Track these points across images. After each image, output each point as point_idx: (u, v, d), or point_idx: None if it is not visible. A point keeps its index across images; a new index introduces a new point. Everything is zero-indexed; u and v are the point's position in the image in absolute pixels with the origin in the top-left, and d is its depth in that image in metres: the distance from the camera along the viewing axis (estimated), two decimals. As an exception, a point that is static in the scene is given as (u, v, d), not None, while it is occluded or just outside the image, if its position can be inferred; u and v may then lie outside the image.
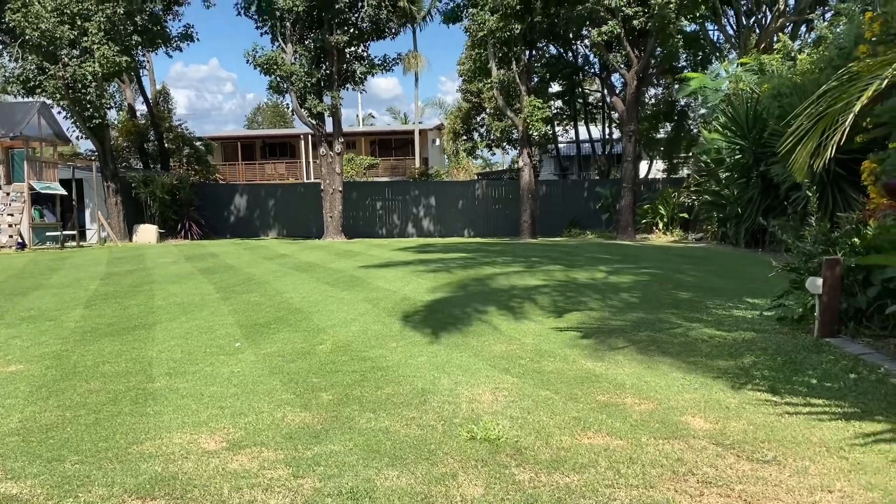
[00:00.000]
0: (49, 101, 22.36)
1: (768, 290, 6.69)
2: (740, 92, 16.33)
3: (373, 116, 63.89)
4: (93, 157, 25.73)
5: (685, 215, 22.53)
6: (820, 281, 5.18)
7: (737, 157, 16.17)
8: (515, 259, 11.54)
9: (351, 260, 12.04)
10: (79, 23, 21.17)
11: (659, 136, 30.60)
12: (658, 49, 21.29)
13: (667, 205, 23.32)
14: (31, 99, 22.18)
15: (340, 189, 23.60)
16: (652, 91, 30.46)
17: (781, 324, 5.84)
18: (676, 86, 26.86)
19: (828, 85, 4.17)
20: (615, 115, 27.09)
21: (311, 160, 39.73)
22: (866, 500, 2.53)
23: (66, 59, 21.00)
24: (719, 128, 17.10)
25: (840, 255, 5.39)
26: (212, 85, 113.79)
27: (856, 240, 5.61)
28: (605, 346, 5.11)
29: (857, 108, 3.63)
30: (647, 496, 2.59)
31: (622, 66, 21.28)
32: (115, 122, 29.31)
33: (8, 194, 17.12)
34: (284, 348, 5.25)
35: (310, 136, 24.39)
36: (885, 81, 3.58)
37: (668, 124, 29.40)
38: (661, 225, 23.38)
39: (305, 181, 39.85)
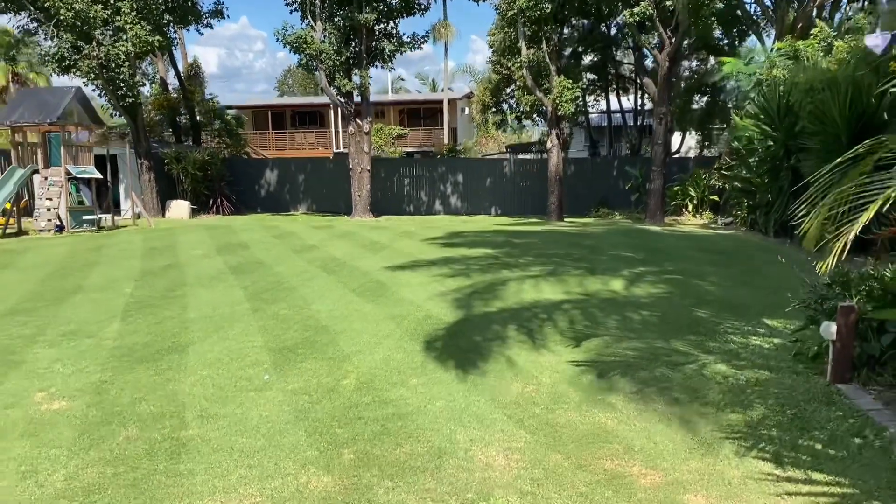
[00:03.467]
0: (84, 80, 22.75)
1: (790, 304, 6.60)
2: (773, 79, 16.02)
3: (402, 80, 63.40)
4: (126, 132, 26.19)
5: (716, 198, 22.33)
6: (834, 328, 5.25)
7: (768, 145, 15.96)
8: (538, 258, 11.65)
9: (377, 256, 12.26)
10: (112, 2, 21.37)
11: (694, 107, 30.03)
12: (692, 29, 20.81)
13: (697, 187, 23.13)
14: (66, 85, 22.56)
15: (369, 168, 23.78)
16: (686, 63, 29.86)
17: (797, 360, 5.93)
18: (712, 61, 26.33)
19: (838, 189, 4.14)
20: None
21: (340, 129, 39.79)
22: None
23: (100, 39, 21.28)
24: (751, 115, 16.85)
25: (856, 300, 5.44)
26: (242, 43, 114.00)
27: (874, 283, 5.66)
28: (618, 388, 5.26)
29: (871, 212, 3.65)
30: None
31: (654, 47, 20.93)
32: (147, 96, 29.67)
33: (46, 178, 17.59)
34: (310, 383, 5.49)
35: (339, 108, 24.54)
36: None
37: (703, 98, 28.86)
38: (690, 207, 23.23)
39: (335, 151, 40.10)
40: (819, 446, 4.21)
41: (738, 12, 23.14)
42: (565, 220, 22.82)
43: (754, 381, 5.42)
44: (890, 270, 5.69)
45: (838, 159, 4.52)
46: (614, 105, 34.79)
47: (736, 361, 5.94)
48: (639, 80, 28.81)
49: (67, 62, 21.84)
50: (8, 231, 17.43)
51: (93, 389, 5.44)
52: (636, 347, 6.38)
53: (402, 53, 23.60)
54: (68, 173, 17.43)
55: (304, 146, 41.77)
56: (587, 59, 30.49)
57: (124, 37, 21.60)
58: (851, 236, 3.92)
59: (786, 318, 7.13)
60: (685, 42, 21.64)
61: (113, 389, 5.43)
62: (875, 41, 5.37)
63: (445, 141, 41.13)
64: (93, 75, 21.84)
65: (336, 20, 22.92)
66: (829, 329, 5.29)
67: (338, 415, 4.82)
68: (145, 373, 5.83)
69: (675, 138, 34.15)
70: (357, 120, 23.38)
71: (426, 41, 24.04)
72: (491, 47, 27.85)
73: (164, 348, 6.56)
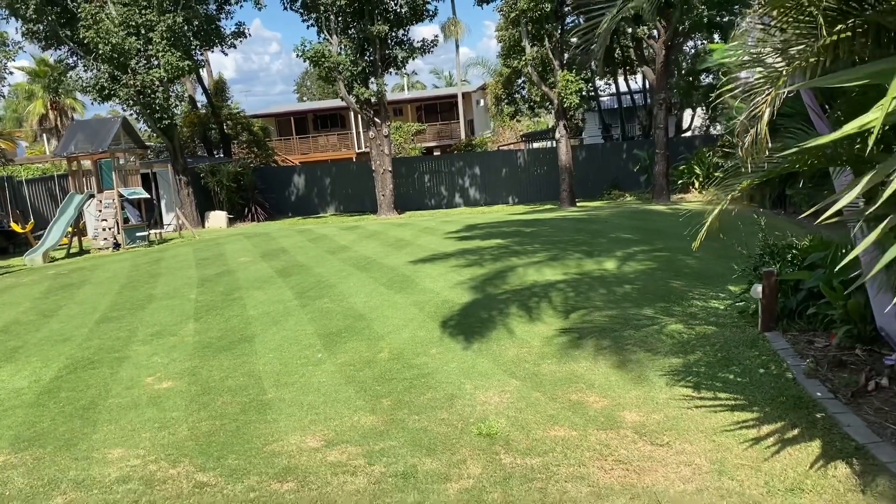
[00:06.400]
0: (122, 107, 24.69)
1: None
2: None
3: (415, 73, 64.90)
4: (161, 151, 28.15)
5: (720, 175, 23.49)
6: (760, 288, 6.70)
7: (757, 126, 17.16)
8: (544, 245, 13.13)
9: (402, 253, 13.83)
10: (143, 33, 23.19)
11: (701, 86, 30.98)
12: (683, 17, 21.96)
13: (702, 165, 24.34)
14: (99, 110, 24.46)
15: (390, 169, 25.37)
16: (691, 43, 30.85)
17: (741, 316, 7.38)
18: (717, 39, 27.26)
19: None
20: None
21: (360, 130, 41.40)
22: (706, 467, 4.19)
23: (135, 68, 23.13)
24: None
25: (777, 266, 6.88)
26: (258, 46, 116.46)
27: (795, 251, 7.10)
28: (592, 347, 6.77)
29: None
30: (578, 471, 4.32)
31: (650, 37, 22.13)
32: (178, 114, 31.64)
33: (101, 201, 19.48)
34: (354, 357, 7.09)
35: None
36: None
37: (708, 77, 29.82)
38: (696, 185, 24.43)
39: (357, 151, 41.80)
40: (731, 377, 5.70)
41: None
42: (577, 204, 24.21)
43: (701, 334, 6.90)
44: (807, 240, 7.12)
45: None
46: (624, 87, 35.92)
47: (692, 321, 7.41)
48: (640, 69, 29.90)
49: (107, 91, 23.79)
50: (71, 251, 19.40)
51: (188, 373, 7.09)
52: (613, 315, 7.87)
53: (414, 59, 25.11)
54: (120, 195, 19.29)
55: (328, 148, 43.57)
56: (574, 39, 31.62)
57: (157, 64, 23.45)
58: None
59: (746, 284, 8.54)
60: (679, 28, 22.80)
61: (203, 372, 7.08)
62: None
63: (462, 134, 42.56)
64: (131, 102, 23.76)
65: (350, 32, 24.51)
66: (757, 290, 6.74)
67: (376, 378, 6.41)
68: (225, 358, 7.48)
69: (686, 116, 35.21)
70: (376, 124, 24.98)
71: (436, 45, 25.48)
72: (499, 42, 29.23)
73: (235, 340, 8.21)
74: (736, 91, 4.58)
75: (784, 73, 3.86)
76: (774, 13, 3.79)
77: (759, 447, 4.42)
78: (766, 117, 3.90)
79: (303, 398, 6.03)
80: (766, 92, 3.99)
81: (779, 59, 4.02)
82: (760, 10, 3.87)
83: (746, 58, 4.47)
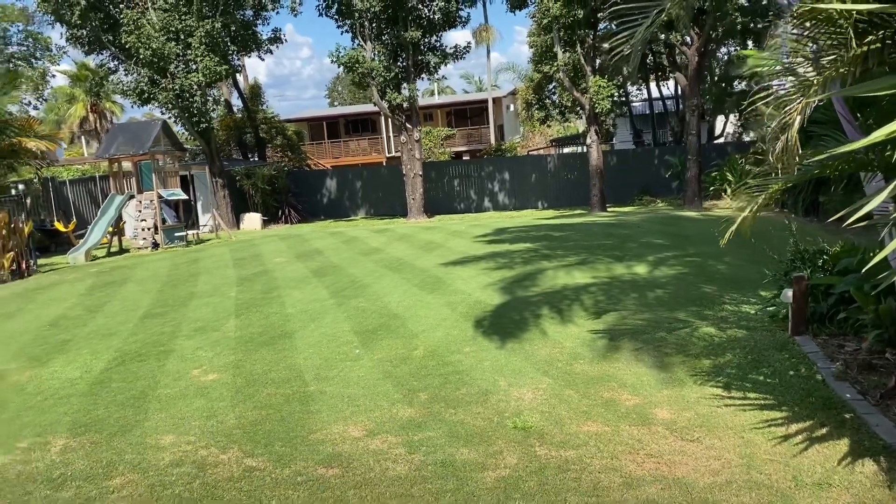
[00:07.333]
0: (161, 110, 25.32)
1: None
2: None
3: (445, 78, 65.25)
4: (198, 153, 28.80)
5: (749, 181, 23.41)
6: (790, 293, 6.80)
7: (790, 133, 17.11)
8: (574, 249, 13.28)
9: (433, 255, 14.07)
10: (182, 38, 23.79)
11: (734, 91, 30.86)
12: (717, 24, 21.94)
13: (734, 171, 24.24)
14: (145, 118, 25.15)
15: (421, 173, 25.66)
16: (724, 49, 30.76)
17: (772, 321, 7.47)
18: (750, 45, 27.14)
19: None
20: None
21: (391, 135, 41.83)
22: (735, 461, 4.34)
23: (174, 72, 23.73)
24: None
25: (807, 272, 6.98)
26: (289, 51, 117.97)
27: (825, 257, 7.19)
28: (623, 348, 6.92)
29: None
30: (611, 463, 4.49)
31: (683, 44, 22.15)
32: (215, 118, 32.33)
33: (140, 202, 20.04)
34: (391, 354, 7.32)
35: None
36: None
37: (741, 83, 29.71)
38: (728, 191, 24.33)
39: (387, 155, 42.23)
40: (761, 378, 5.82)
41: (765, 1, 24.07)
42: (608, 209, 24.26)
43: (732, 337, 7.02)
44: (838, 246, 7.21)
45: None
46: (655, 93, 35.87)
47: (723, 325, 7.52)
48: (672, 75, 29.87)
49: (146, 95, 24.44)
50: (111, 250, 19.97)
51: (232, 366, 7.39)
52: (644, 318, 8.01)
53: (446, 65, 25.39)
54: (160, 196, 19.82)
55: (358, 153, 44.09)
56: (607, 45, 31.67)
57: (195, 68, 24.03)
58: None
59: (776, 289, 8.61)
60: (713, 34, 22.78)
61: (247, 365, 7.37)
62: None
63: (492, 139, 42.75)
64: (170, 105, 24.37)
65: (384, 38, 24.88)
66: (787, 294, 6.84)
67: (413, 373, 6.64)
68: (267, 353, 7.76)
69: (718, 122, 35.04)
70: (407, 128, 25.30)
71: (469, 51, 25.74)
72: (531, 48, 29.43)
73: (276, 336, 8.50)
74: (769, 99, 4.71)
75: (815, 82, 4.01)
76: (807, 24, 3.94)
77: (788, 444, 4.55)
78: (796, 124, 4.05)
79: (343, 391, 6.28)
80: (798, 100, 4.14)
81: (810, 69, 4.17)
82: (793, 22, 4.02)
83: (779, 67, 4.61)
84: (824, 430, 4.70)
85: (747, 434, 4.74)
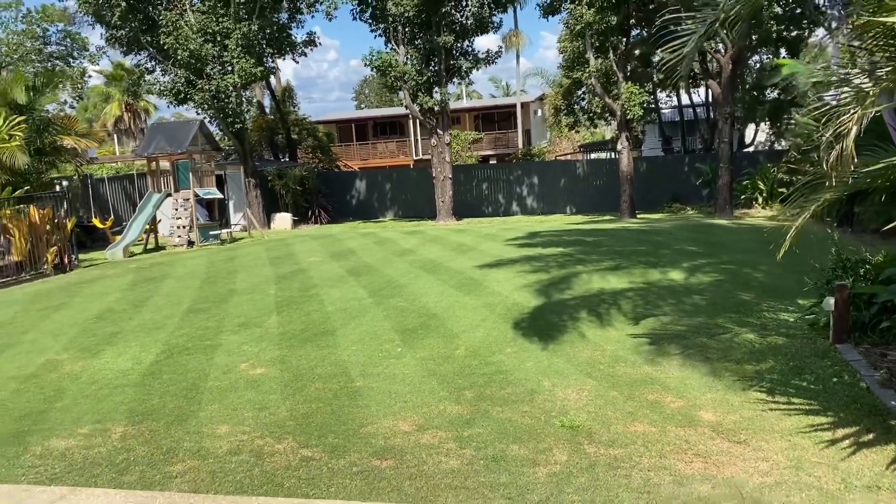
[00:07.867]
0: (197, 110, 25.76)
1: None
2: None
3: (472, 82, 65.50)
4: (230, 153, 29.23)
5: (784, 190, 23.27)
6: (832, 301, 6.84)
7: (826, 142, 17.02)
8: (607, 254, 13.34)
9: (466, 257, 14.22)
10: (219, 40, 24.21)
11: (765, 101, 30.61)
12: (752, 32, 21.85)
13: (766, 180, 24.14)
14: (174, 118, 25.58)
15: (450, 176, 25.84)
16: (757, 57, 30.54)
17: (812, 329, 7.51)
18: (783, 54, 26.94)
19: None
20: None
21: (419, 137, 42.09)
22: (784, 463, 4.42)
23: (210, 73, 24.16)
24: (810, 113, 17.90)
25: (850, 280, 7.01)
26: (316, 54, 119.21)
27: (868, 266, 7.21)
28: (665, 352, 7.01)
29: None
30: (660, 462, 4.59)
31: (717, 51, 22.09)
32: (248, 118, 32.81)
33: (177, 200, 20.43)
34: (433, 353, 7.47)
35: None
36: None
37: (773, 92, 29.48)
38: (760, 200, 24.24)
39: (415, 158, 42.49)
40: (804, 384, 5.88)
41: (799, 10, 23.91)
42: (637, 216, 24.23)
43: (773, 344, 7.07)
44: (881, 255, 7.23)
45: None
46: (685, 100, 35.69)
47: (763, 332, 7.57)
48: (703, 83, 29.74)
49: (183, 95, 24.91)
50: (148, 247, 20.39)
51: (278, 361, 7.58)
52: (685, 324, 8.08)
53: (478, 69, 25.56)
54: (196, 195, 20.20)
55: (386, 155, 44.44)
56: (656, 58, 31.57)
57: (231, 70, 24.44)
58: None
59: (817, 298, 8.63)
60: (748, 42, 22.69)
61: (293, 360, 7.56)
62: None
63: (519, 144, 42.83)
64: (205, 106, 24.80)
65: (417, 43, 25.11)
66: (829, 303, 6.88)
67: (456, 372, 6.78)
68: (311, 349, 7.95)
69: (749, 131, 34.78)
70: (438, 132, 25.49)
71: (500, 56, 25.88)
72: (561, 53, 29.48)
73: (318, 332, 8.69)
74: (823, 108, 4.78)
75: (871, 93, 4.09)
76: (868, 35, 4.02)
77: (835, 448, 4.62)
78: (852, 134, 4.13)
79: (389, 387, 6.44)
80: (853, 110, 4.22)
81: (866, 80, 4.24)
82: (851, 34, 4.11)
83: (834, 78, 4.69)
84: (871, 436, 4.76)
85: (794, 438, 4.81)
